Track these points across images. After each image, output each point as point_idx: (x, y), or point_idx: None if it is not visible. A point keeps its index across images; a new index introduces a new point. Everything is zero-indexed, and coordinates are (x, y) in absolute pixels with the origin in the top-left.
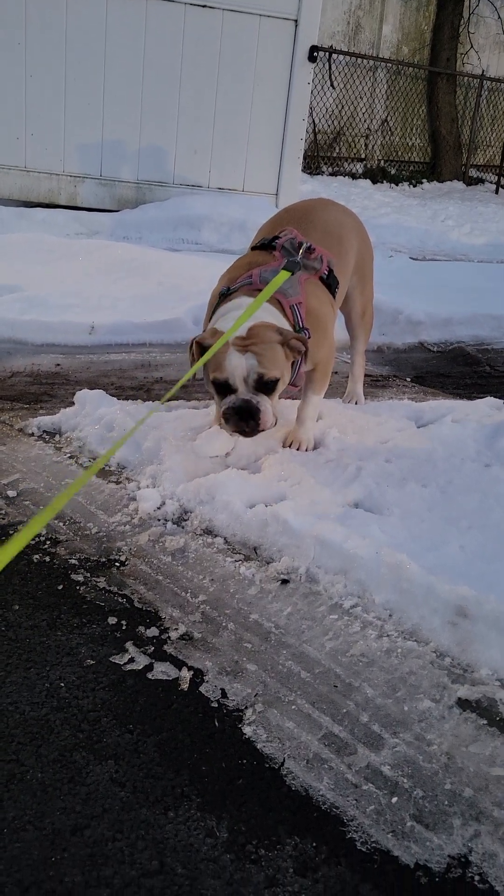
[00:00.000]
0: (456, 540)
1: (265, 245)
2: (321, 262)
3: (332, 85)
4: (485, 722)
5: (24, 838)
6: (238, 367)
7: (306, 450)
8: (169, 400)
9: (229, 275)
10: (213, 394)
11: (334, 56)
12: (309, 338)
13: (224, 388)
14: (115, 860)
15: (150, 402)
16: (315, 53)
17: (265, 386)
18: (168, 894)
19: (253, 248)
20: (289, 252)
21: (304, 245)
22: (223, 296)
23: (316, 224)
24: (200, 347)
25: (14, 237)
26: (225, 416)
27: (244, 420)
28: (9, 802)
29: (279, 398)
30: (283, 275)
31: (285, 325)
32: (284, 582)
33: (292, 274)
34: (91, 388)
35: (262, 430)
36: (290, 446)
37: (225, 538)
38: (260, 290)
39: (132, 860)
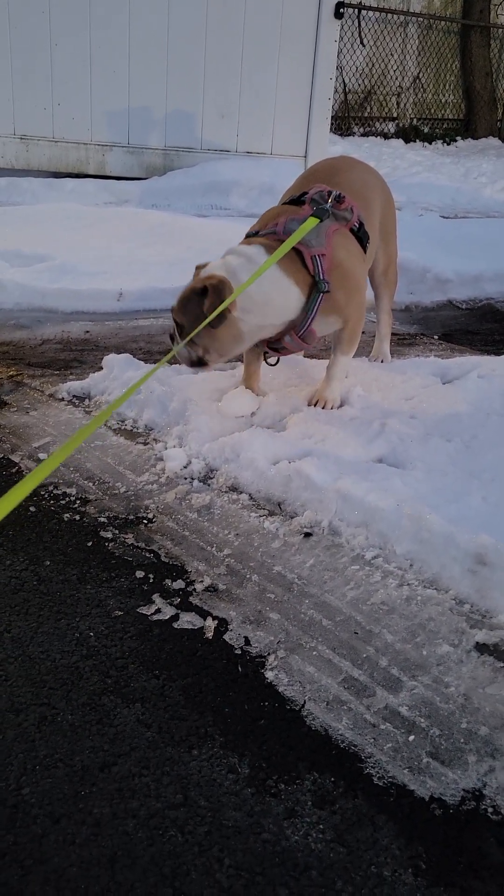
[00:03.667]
0: (478, 492)
1: (294, 201)
2: (352, 213)
3: (361, 42)
4: (502, 665)
5: (54, 775)
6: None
7: (332, 408)
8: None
9: (256, 226)
10: None
11: (363, 12)
12: (327, 291)
13: None
14: (141, 794)
15: (178, 365)
16: (341, 10)
17: (177, 330)
18: (191, 825)
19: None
20: (318, 203)
21: (334, 194)
22: (247, 237)
23: (341, 185)
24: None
25: (44, 207)
26: None
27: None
28: (40, 742)
29: (239, 350)
30: (311, 221)
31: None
32: (307, 535)
33: (321, 221)
34: (119, 353)
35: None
36: (315, 405)
37: (250, 494)
38: (282, 241)
39: (157, 794)
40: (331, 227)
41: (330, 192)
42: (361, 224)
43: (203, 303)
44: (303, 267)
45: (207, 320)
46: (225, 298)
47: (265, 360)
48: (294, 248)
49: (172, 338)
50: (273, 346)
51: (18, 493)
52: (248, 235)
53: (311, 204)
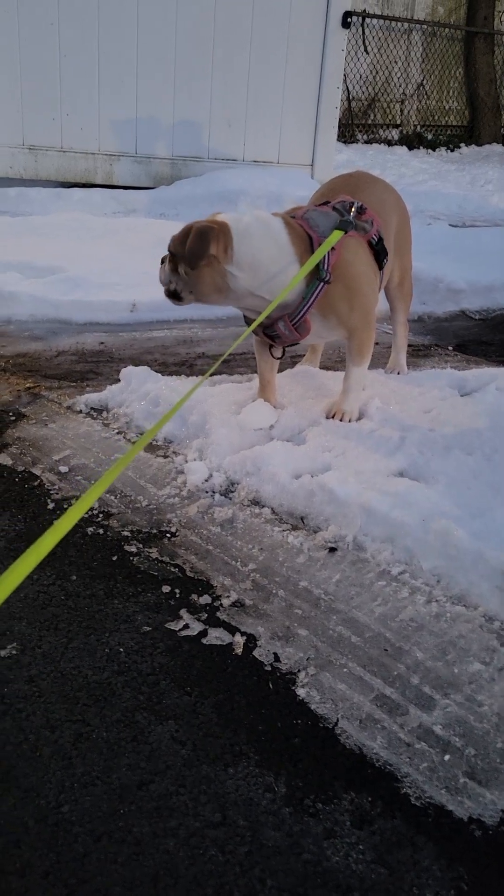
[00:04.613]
0: (502, 506)
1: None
2: (371, 226)
3: (365, 50)
4: None
5: (93, 792)
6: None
7: (349, 420)
8: (212, 374)
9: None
10: None
11: (367, 20)
12: (328, 281)
13: None
14: (179, 812)
15: (194, 377)
16: (349, 19)
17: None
18: (231, 844)
19: None
20: (340, 213)
21: (356, 205)
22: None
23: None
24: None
25: (54, 218)
26: None
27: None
28: (77, 759)
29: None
30: (336, 234)
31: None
32: (332, 550)
33: (345, 233)
34: (135, 365)
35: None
36: (333, 417)
37: (272, 508)
38: (300, 226)
39: (196, 813)
40: (348, 234)
41: (352, 203)
42: (381, 238)
43: (198, 235)
44: (310, 252)
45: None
46: (213, 243)
47: (271, 352)
48: (306, 234)
49: (163, 261)
50: (267, 333)
51: (69, 520)
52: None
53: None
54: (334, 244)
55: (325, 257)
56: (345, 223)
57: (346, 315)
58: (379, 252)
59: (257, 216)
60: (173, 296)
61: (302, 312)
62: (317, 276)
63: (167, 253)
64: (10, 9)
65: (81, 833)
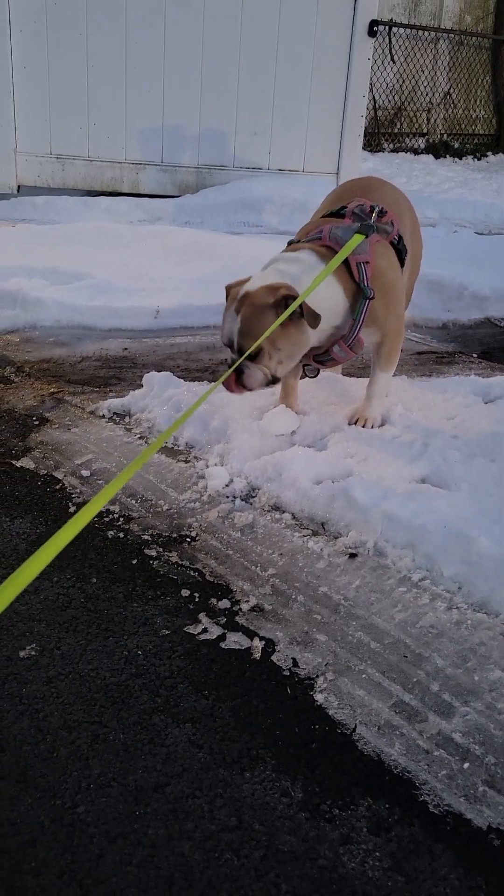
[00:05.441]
0: None
1: (333, 215)
2: (392, 227)
3: (392, 59)
4: None
5: (109, 794)
6: (226, 328)
7: (372, 427)
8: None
9: (301, 233)
10: None
11: (394, 29)
12: (373, 297)
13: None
14: (195, 816)
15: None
16: (375, 28)
17: (243, 353)
18: (247, 848)
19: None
20: (360, 217)
21: (377, 208)
22: (289, 244)
23: (375, 202)
24: (227, 290)
25: (80, 225)
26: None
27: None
28: (94, 760)
29: (298, 361)
30: (357, 238)
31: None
32: (352, 556)
33: (366, 237)
34: (158, 371)
35: (248, 391)
36: (356, 423)
37: (292, 514)
38: (327, 247)
39: (211, 816)
40: (373, 238)
41: (372, 207)
42: (401, 237)
43: (275, 312)
44: (347, 273)
45: (278, 321)
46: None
47: (306, 374)
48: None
49: (238, 370)
50: (319, 359)
51: (81, 521)
52: (290, 244)
53: (352, 217)
54: (367, 257)
55: (363, 272)
56: (366, 227)
57: (384, 321)
58: (400, 251)
59: (292, 261)
60: (273, 381)
61: (356, 332)
62: (362, 295)
63: (231, 360)
64: (38, 19)
65: (97, 834)
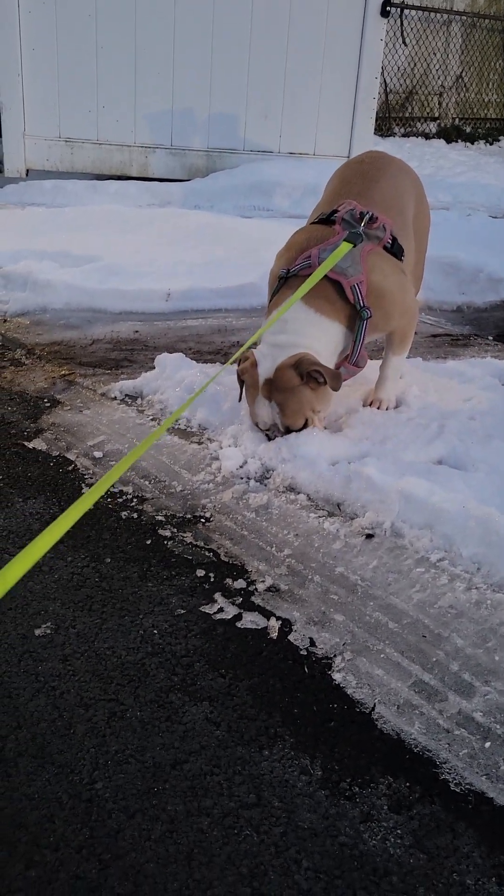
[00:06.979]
0: None
1: (324, 221)
2: (384, 231)
3: (403, 42)
4: None
5: (126, 770)
6: (265, 416)
7: (387, 409)
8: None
9: (287, 254)
10: None
11: (406, 11)
12: (370, 317)
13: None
14: (214, 792)
15: (230, 365)
16: (388, 8)
17: (292, 431)
18: (266, 825)
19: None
20: (349, 224)
21: (367, 215)
22: (282, 279)
23: (374, 199)
24: (238, 376)
25: (90, 209)
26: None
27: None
28: (111, 737)
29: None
30: (344, 248)
31: (328, 334)
32: (369, 536)
33: (354, 246)
34: (169, 353)
35: None
36: (371, 405)
37: (308, 495)
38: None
39: (230, 793)
40: (364, 249)
41: (362, 213)
42: (395, 239)
43: (307, 387)
44: (341, 298)
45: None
46: (318, 366)
47: None
48: (332, 280)
49: (274, 436)
50: None
51: (91, 497)
52: (281, 278)
53: (342, 224)
54: (361, 277)
55: (358, 294)
56: (353, 236)
57: (389, 325)
58: (395, 253)
59: (293, 322)
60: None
61: (358, 352)
62: (359, 316)
63: (268, 427)
64: (48, 1)
65: (115, 810)
